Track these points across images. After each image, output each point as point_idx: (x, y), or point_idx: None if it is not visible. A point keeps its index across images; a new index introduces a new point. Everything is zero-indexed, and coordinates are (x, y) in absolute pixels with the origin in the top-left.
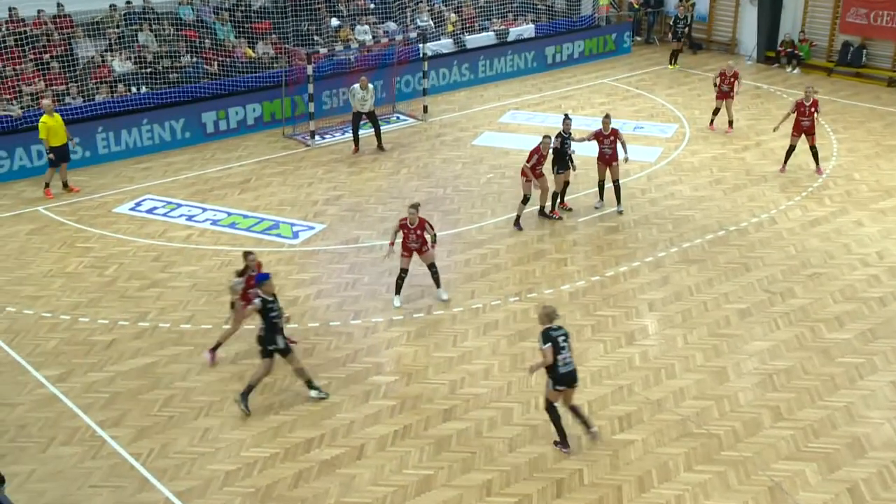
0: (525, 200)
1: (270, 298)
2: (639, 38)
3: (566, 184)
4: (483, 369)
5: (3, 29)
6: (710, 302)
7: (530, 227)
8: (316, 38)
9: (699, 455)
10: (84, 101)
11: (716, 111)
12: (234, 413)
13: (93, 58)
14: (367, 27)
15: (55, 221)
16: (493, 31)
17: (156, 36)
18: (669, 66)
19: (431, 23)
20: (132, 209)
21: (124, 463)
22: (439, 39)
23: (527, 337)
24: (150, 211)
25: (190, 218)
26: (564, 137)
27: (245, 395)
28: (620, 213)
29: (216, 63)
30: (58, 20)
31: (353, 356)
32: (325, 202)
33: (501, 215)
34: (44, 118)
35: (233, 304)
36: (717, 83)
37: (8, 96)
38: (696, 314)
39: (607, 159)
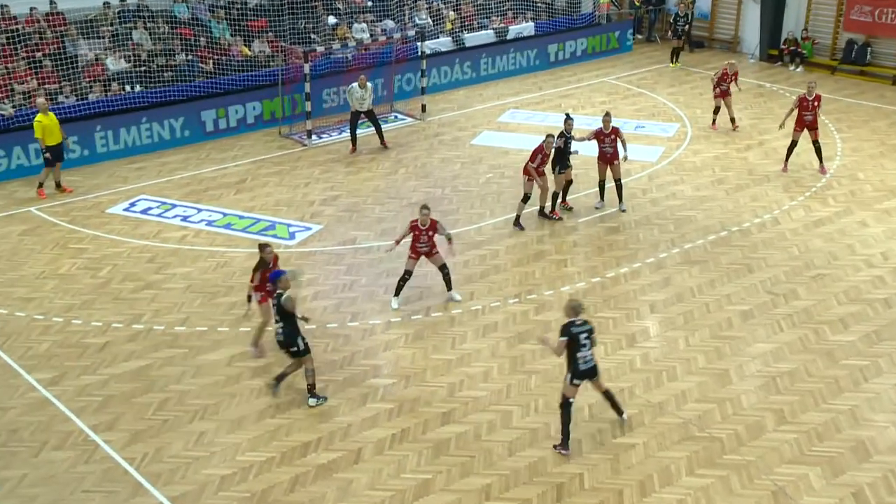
0: (525, 199)
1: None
2: (640, 36)
3: (569, 183)
4: (482, 372)
5: None
6: (713, 303)
7: (530, 227)
8: (313, 36)
9: (701, 459)
10: (77, 100)
11: (717, 110)
12: (229, 417)
13: (95, 57)
14: (364, 25)
15: (48, 222)
16: (493, 29)
17: (150, 34)
18: (671, 65)
19: (430, 21)
20: (126, 210)
21: (117, 467)
22: (438, 38)
23: (526, 339)
24: (144, 211)
25: (185, 219)
26: (566, 137)
27: (279, 378)
28: (623, 211)
29: (211, 61)
30: (50, 18)
31: (350, 359)
32: (321, 202)
33: (500, 216)
34: (39, 117)
35: (249, 298)
36: (717, 82)
37: (0, 95)
38: (698, 316)
39: (608, 158)
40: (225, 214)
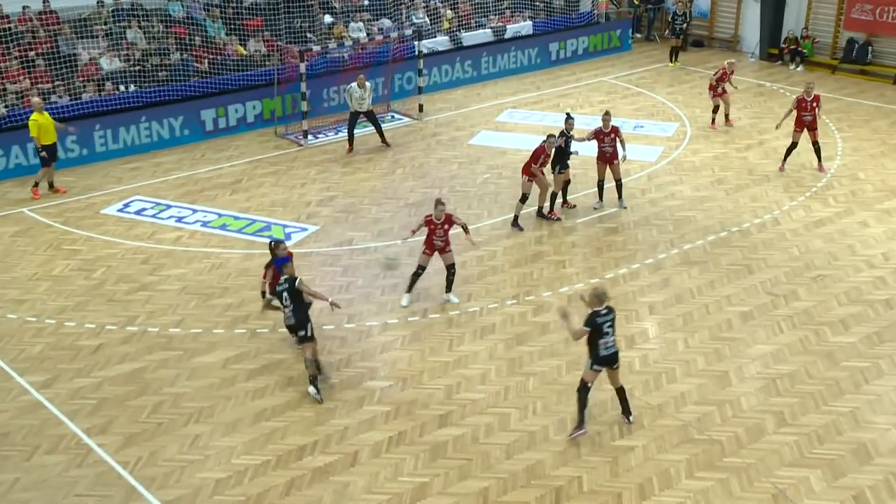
0: (524, 200)
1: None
2: (639, 35)
3: (567, 182)
4: (480, 374)
5: None
6: (712, 305)
7: (528, 228)
8: (309, 35)
9: (701, 461)
10: (71, 100)
11: (716, 109)
12: (224, 419)
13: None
14: (361, 24)
15: (41, 223)
16: (490, 28)
17: (145, 33)
18: (670, 64)
19: (427, 20)
20: (120, 210)
21: (111, 471)
22: (435, 37)
23: (525, 341)
24: (138, 212)
25: (179, 219)
26: (567, 136)
27: (320, 370)
28: (624, 208)
29: (206, 61)
30: (43, 17)
31: (346, 361)
32: (318, 203)
33: (498, 216)
34: (34, 116)
35: (264, 293)
36: (716, 81)
37: None
38: (698, 317)
39: (608, 158)
40: (220, 215)
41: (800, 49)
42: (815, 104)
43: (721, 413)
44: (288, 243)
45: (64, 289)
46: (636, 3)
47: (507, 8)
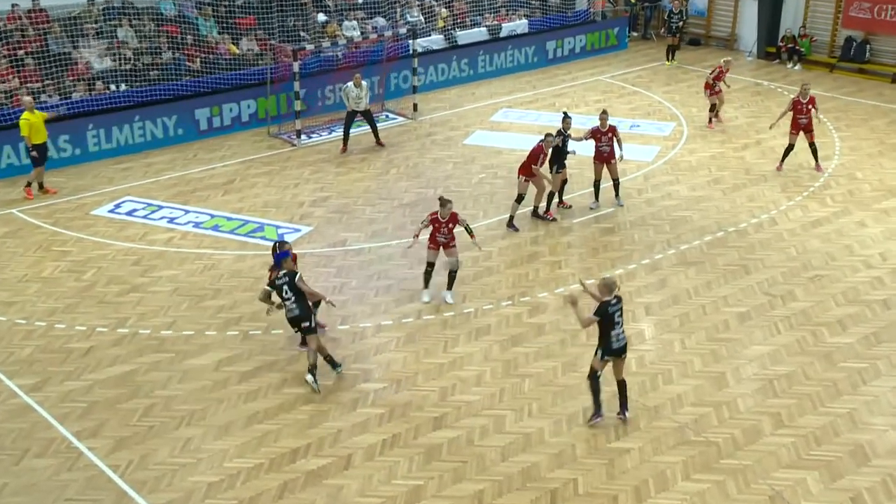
0: (519, 200)
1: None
2: (635, 34)
3: (563, 182)
4: (475, 376)
5: None
6: (709, 305)
7: (524, 228)
8: (302, 34)
9: (697, 463)
10: (60, 99)
11: (712, 108)
12: (216, 422)
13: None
14: (355, 23)
15: (30, 224)
16: (486, 26)
17: (136, 32)
18: (666, 63)
19: (422, 18)
20: (111, 211)
21: (101, 475)
22: (430, 35)
23: (520, 342)
24: (129, 213)
25: (171, 220)
26: (564, 136)
27: (331, 362)
28: (620, 205)
29: (199, 60)
30: (33, 15)
31: (340, 362)
32: (311, 203)
33: (494, 216)
34: (25, 115)
35: (269, 295)
36: (713, 80)
37: None
38: (695, 318)
39: (605, 157)
40: (212, 216)
41: (797, 48)
42: (810, 106)
43: (718, 414)
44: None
45: (54, 290)
46: (633, 1)
47: (502, 6)
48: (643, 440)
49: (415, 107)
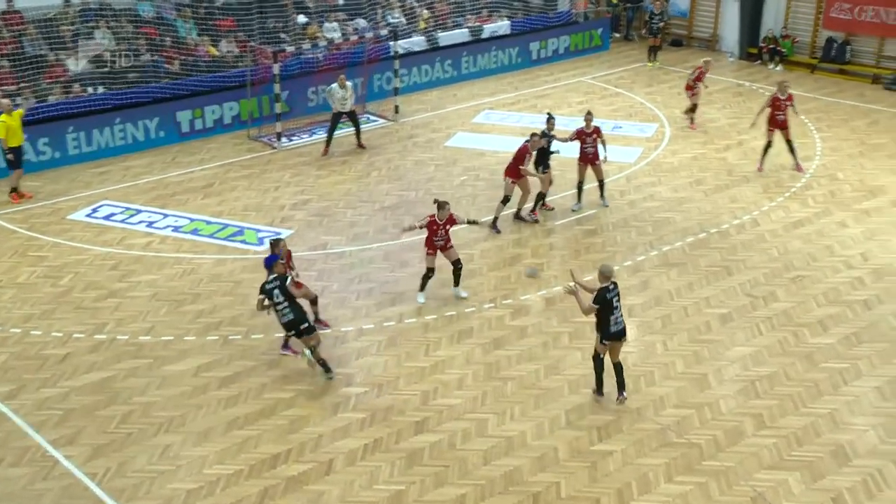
0: (505, 201)
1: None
2: (617, 35)
3: (549, 183)
4: (457, 379)
5: None
6: (691, 307)
7: (506, 231)
8: (282, 35)
9: (680, 465)
10: (37, 102)
11: (694, 108)
12: (195, 429)
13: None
14: (335, 24)
15: (5, 229)
16: (468, 27)
17: (113, 33)
18: (648, 64)
19: (403, 19)
20: (88, 216)
21: (78, 483)
22: (411, 37)
23: (502, 345)
24: (107, 217)
25: (150, 224)
26: (548, 137)
27: (324, 366)
28: (606, 206)
29: (177, 62)
30: (7, 17)
31: (320, 369)
32: (292, 207)
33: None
34: (3, 117)
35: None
36: (694, 81)
37: None
38: (677, 319)
39: (590, 158)
40: (192, 220)
41: (779, 48)
42: (788, 103)
43: (700, 416)
44: (261, 248)
45: (30, 296)
46: (615, 2)
47: (483, 7)
48: (626, 442)
49: (396, 109)
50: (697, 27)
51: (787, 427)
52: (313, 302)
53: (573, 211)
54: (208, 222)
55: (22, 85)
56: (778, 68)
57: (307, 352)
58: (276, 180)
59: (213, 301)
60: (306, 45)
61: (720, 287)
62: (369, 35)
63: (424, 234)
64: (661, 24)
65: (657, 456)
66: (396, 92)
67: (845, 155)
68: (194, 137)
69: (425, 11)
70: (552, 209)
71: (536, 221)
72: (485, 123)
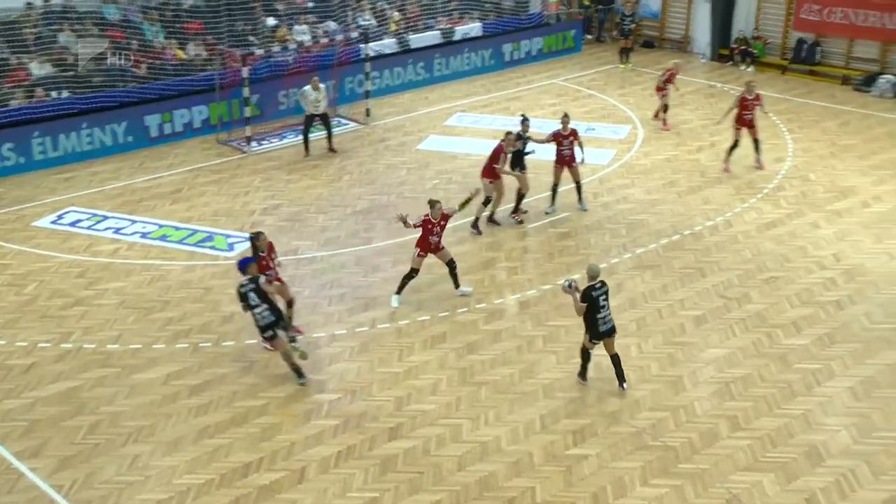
0: (487, 202)
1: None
2: (589, 37)
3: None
4: (430, 384)
5: None
6: (665, 309)
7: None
8: (251, 38)
9: (655, 468)
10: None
11: (666, 109)
12: (165, 438)
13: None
14: (305, 27)
15: None
16: (439, 29)
17: (78, 37)
18: (620, 66)
19: (374, 22)
20: (54, 222)
21: (44, 496)
22: (382, 39)
23: (476, 349)
24: (73, 224)
25: (117, 231)
26: (523, 138)
27: (298, 372)
28: (584, 210)
29: (144, 65)
30: None
31: (293, 374)
32: (262, 212)
33: (449, 223)
34: None
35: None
36: (664, 82)
37: None
38: (651, 322)
39: (566, 160)
40: (160, 226)
41: (750, 50)
42: (756, 102)
43: (675, 419)
44: (231, 254)
45: None
46: (586, 3)
47: (455, 9)
48: (601, 446)
49: (367, 112)
50: (669, 28)
51: (762, 428)
52: (289, 304)
53: (546, 213)
54: (177, 228)
55: None
56: (749, 69)
57: (301, 379)
58: (246, 185)
59: (182, 308)
60: (276, 48)
61: (694, 289)
62: (339, 38)
63: (416, 233)
64: (632, 26)
65: (632, 459)
66: (368, 95)
67: (816, 156)
68: (163, 142)
69: (396, 13)
70: (525, 212)
71: (521, 222)
72: (457, 126)
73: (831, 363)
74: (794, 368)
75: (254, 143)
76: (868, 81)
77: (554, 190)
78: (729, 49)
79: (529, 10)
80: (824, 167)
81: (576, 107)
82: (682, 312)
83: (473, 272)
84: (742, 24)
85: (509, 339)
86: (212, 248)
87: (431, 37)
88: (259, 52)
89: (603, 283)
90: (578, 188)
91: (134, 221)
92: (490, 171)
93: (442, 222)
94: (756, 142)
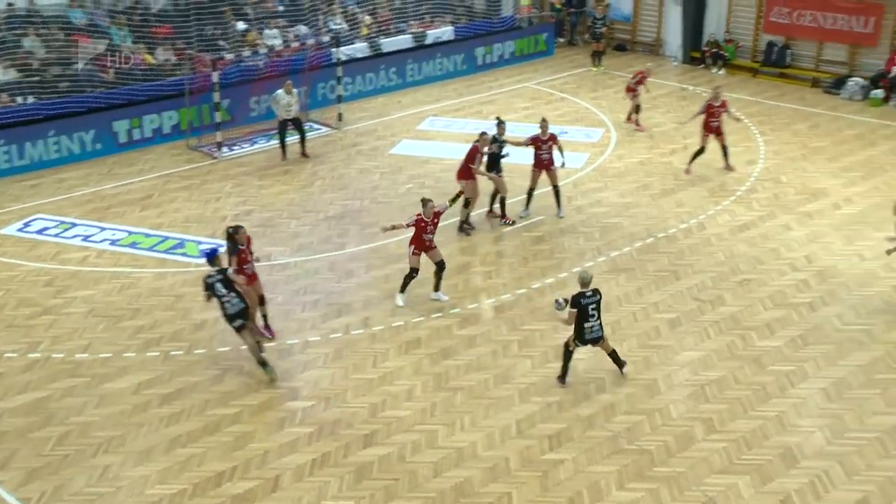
0: (467, 204)
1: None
2: (562, 40)
3: (496, 191)
4: (405, 390)
5: None
6: (640, 312)
7: (452, 238)
8: (221, 43)
9: (631, 472)
10: None
11: (637, 108)
12: (136, 448)
13: None
14: (276, 31)
15: None
16: (410, 33)
17: (43, 41)
18: (592, 69)
19: (345, 26)
20: (20, 230)
21: None
22: (353, 43)
23: (451, 355)
24: (40, 232)
25: (86, 238)
26: (499, 142)
27: (263, 364)
28: (561, 217)
29: (112, 70)
30: None
31: (266, 381)
32: (234, 218)
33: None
34: None
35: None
36: (635, 84)
37: None
38: (626, 325)
39: (544, 164)
40: (130, 233)
41: (721, 52)
42: (722, 109)
43: (651, 422)
44: (203, 260)
45: None
46: (558, 6)
47: (426, 13)
48: (577, 450)
49: (340, 116)
50: (641, 32)
51: (737, 431)
52: (261, 301)
53: (521, 217)
54: (147, 235)
55: None
56: (721, 72)
57: (268, 369)
58: (217, 191)
59: (153, 316)
60: (246, 53)
61: (668, 292)
62: (311, 42)
63: (406, 233)
64: (604, 29)
65: (608, 463)
66: (340, 99)
67: (788, 158)
68: (132, 148)
69: (367, 17)
70: (498, 216)
71: (513, 223)
72: (430, 130)
73: (804, 365)
74: (767, 370)
75: (225, 149)
76: (837, 84)
77: (529, 194)
78: (700, 52)
79: (501, 13)
80: (795, 169)
81: (549, 110)
82: (657, 315)
83: (448, 277)
84: (713, 27)
85: (484, 343)
86: (183, 255)
87: (403, 41)
88: (229, 56)
89: (595, 292)
90: (556, 193)
91: (103, 229)
92: (466, 172)
93: (435, 220)
94: (724, 148)
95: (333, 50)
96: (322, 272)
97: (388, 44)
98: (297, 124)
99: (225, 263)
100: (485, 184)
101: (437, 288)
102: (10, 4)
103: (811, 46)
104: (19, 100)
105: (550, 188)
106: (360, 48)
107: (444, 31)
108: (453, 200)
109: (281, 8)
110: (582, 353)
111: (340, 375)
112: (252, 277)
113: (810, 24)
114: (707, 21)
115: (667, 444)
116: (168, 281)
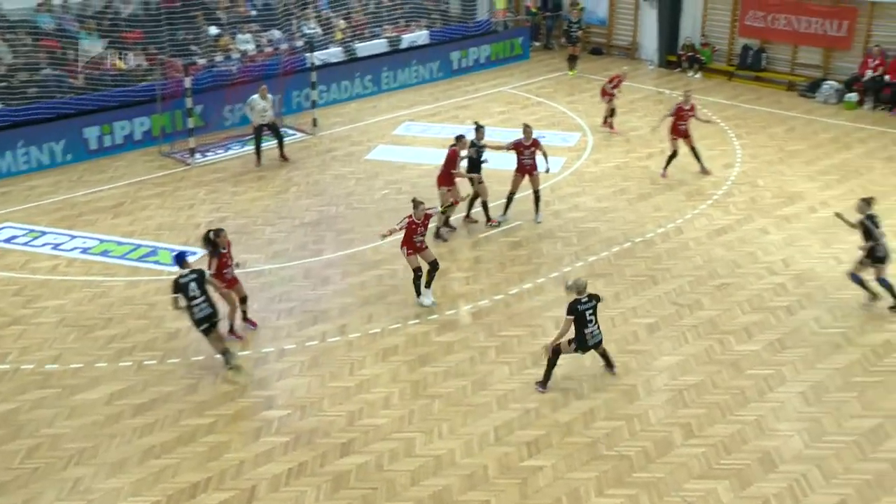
0: (446, 209)
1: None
2: (538, 44)
3: (475, 196)
4: (382, 398)
5: None
6: (618, 317)
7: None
8: (193, 48)
9: (610, 478)
10: None
11: (613, 113)
12: (108, 459)
13: None
14: (249, 36)
15: None
16: (385, 38)
17: (9, 46)
18: (569, 73)
19: (319, 30)
20: None
21: None
22: (328, 48)
23: (428, 362)
24: (8, 240)
25: (56, 247)
26: (478, 147)
27: (228, 359)
28: (539, 222)
29: (82, 76)
30: None
31: (241, 390)
32: (207, 225)
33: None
34: None
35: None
36: (611, 88)
37: None
38: (604, 330)
39: (527, 169)
40: (101, 241)
41: (698, 56)
42: (691, 112)
43: (630, 427)
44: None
45: None
46: (534, 10)
47: (401, 17)
48: (556, 457)
49: (314, 122)
50: (617, 35)
51: (715, 435)
52: (242, 301)
53: (498, 222)
54: (119, 243)
55: None
56: (697, 76)
57: (233, 364)
58: (190, 198)
59: (125, 325)
60: (219, 58)
61: (646, 296)
62: (284, 46)
63: (397, 237)
64: (579, 33)
65: (587, 469)
66: (314, 105)
67: (764, 162)
68: (103, 155)
69: (342, 22)
70: (476, 221)
71: (498, 225)
72: (406, 135)
73: (782, 368)
74: (746, 374)
75: (198, 155)
76: (812, 87)
77: (509, 198)
78: (676, 56)
79: (477, 17)
80: (772, 173)
81: (525, 115)
82: (635, 320)
83: None
84: (689, 30)
85: (462, 350)
86: (156, 263)
87: (378, 45)
88: (202, 61)
89: (591, 298)
90: (537, 198)
91: (74, 237)
92: (446, 178)
93: (425, 222)
94: (693, 150)
95: (307, 55)
96: (297, 279)
97: (363, 48)
98: (274, 129)
99: (188, 266)
100: (466, 187)
101: (427, 285)
102: None
103: (786, 50)
104: None
105: (530, 193)
106: (334, 53)
107: (420, 36)
108: (444, 211)
109: (254, 13)
110: (560, 360)
111: (317, 384)
112: (232, 282)
113: (785, 28)
114: (682, 25)
115: (646, 449)
116: (141, 289)
